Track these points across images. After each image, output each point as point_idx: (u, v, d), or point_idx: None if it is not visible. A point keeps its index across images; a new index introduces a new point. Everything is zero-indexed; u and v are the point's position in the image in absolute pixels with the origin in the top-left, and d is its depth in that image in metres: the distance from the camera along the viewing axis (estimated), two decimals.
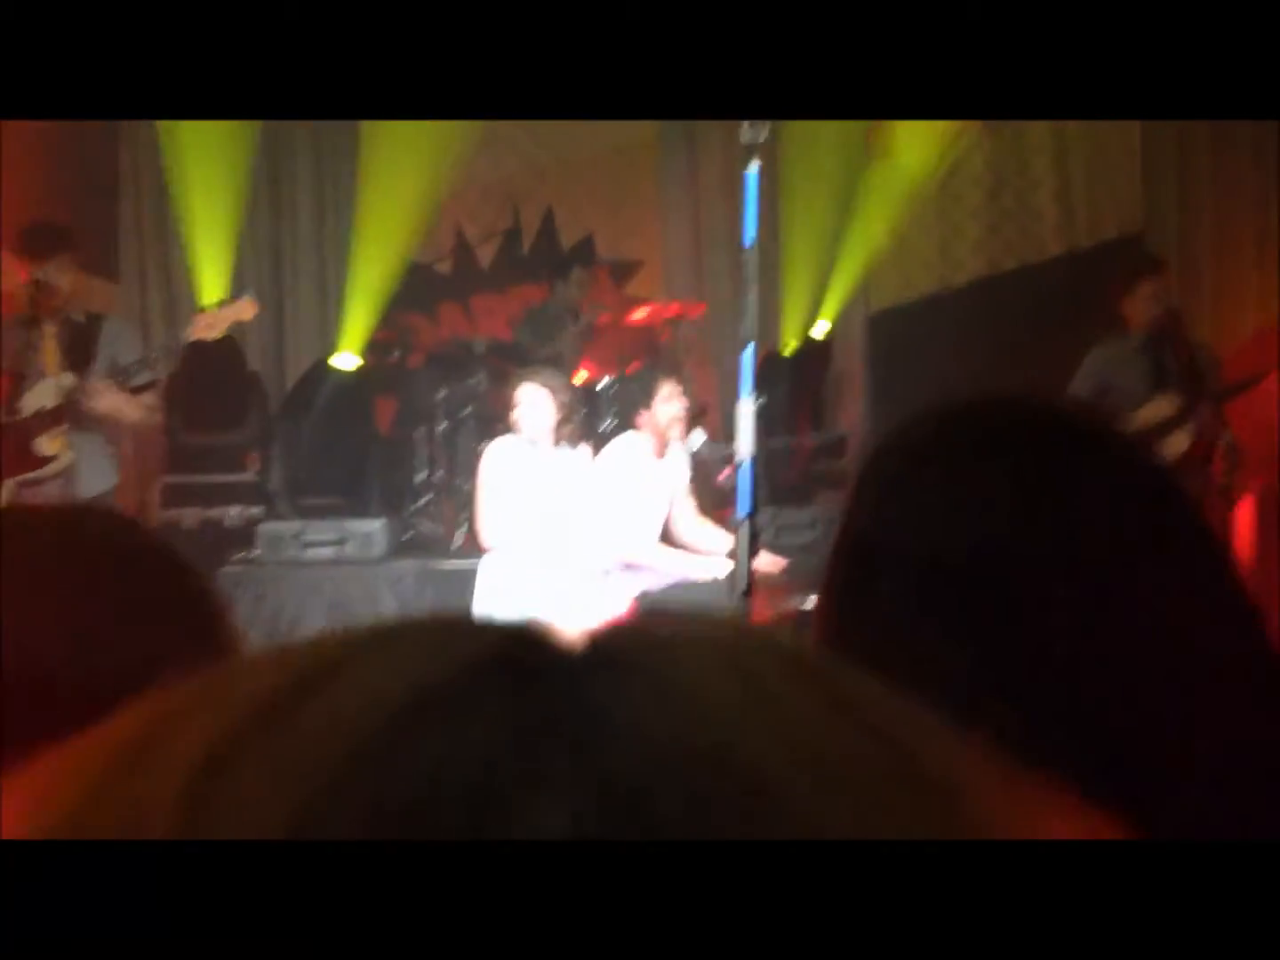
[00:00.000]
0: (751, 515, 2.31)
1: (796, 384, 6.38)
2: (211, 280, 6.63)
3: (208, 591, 0.80)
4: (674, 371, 5.15)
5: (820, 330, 7.10)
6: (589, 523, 4.83)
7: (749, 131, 2.48)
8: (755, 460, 2.34)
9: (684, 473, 5.02)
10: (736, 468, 2.55)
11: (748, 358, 2.43)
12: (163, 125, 6.64)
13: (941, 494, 0.74)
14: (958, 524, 0.72)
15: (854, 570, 0.75)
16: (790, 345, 6.98)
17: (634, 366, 6.01)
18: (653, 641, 0.32)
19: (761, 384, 6.11)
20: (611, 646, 0.31)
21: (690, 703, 0.29)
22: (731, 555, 2.36)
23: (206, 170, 6.64)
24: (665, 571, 4.78)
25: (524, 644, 0.31)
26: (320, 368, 6.10)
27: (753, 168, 2.49)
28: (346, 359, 6.66)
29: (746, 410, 2.40)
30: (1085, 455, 0.75)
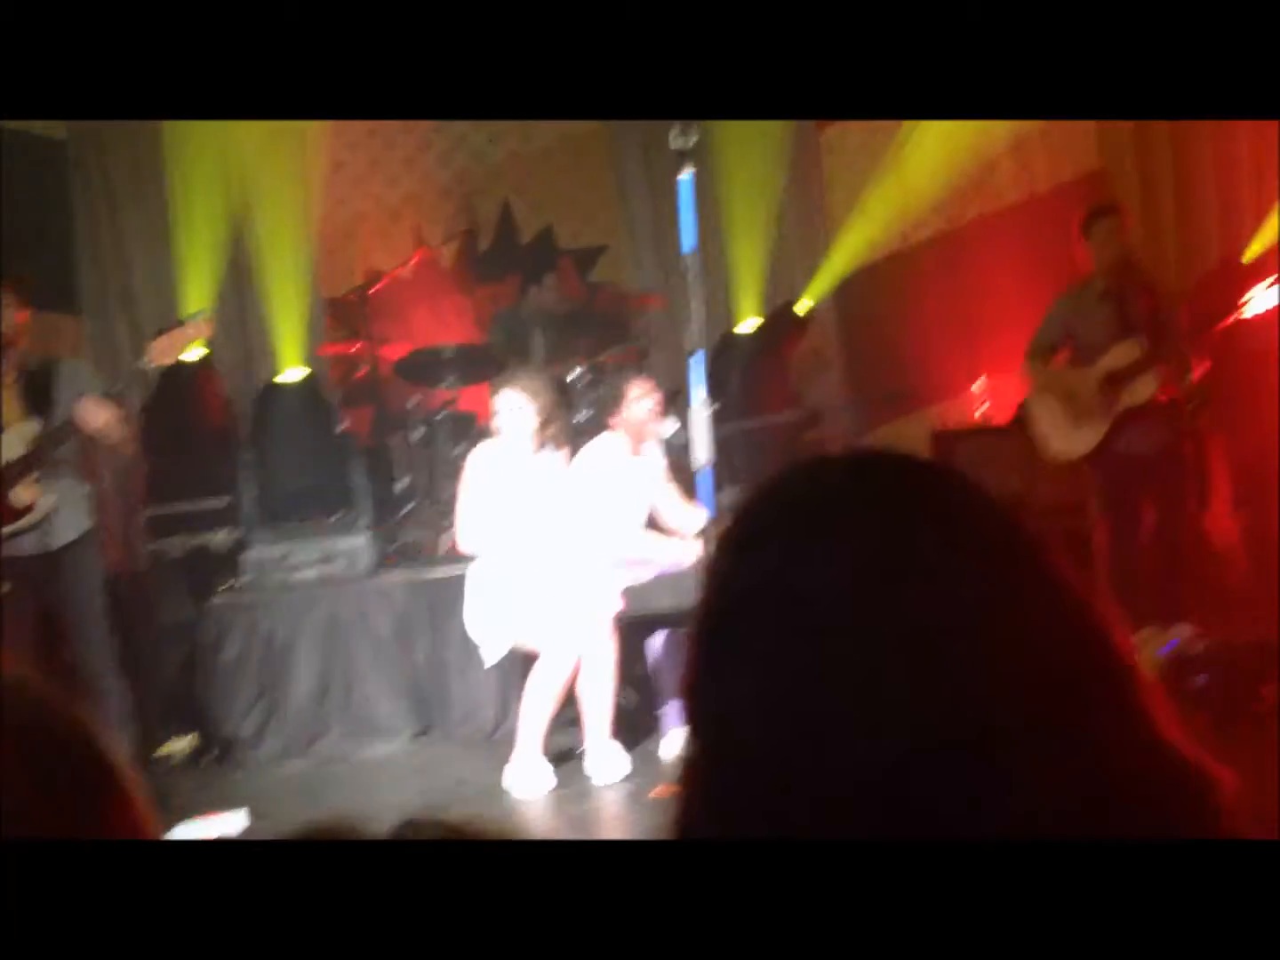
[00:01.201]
0: (717, 520, 2.32)
1: (768, 361, 6.37)
2: (198, 299, 6.61)
3: (116, 773, 0.78)
4: (643, 367, 5.16)
5: (800, 306, 7.08)
6: (573, 524, 4.84)
7: (679, 137, 2.47)
8: (714, 467, 2.35)
9: (661, 463, 5.03)
10: (700, 470, 2.56)
11: (697, 364, 2.44)
12: (137, 138, 6.62)
13: (793, 552, 0.76)
14: (810, 577, 0.75)
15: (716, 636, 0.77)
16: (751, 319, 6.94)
17: (603, 355, 6.01)
18: None
19: (729, 364, 6.11)
20: None
21: None
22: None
23: (191, 184, 6.62)
24: (652, 558, 4.81)
25: None
26: (271, 388, 6.08)
27: (685, 174, 2.49)
28: (293, 373, 6.66)
29: (700, 416, 2.40)
30: (928, 503, 0.78)
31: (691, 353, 2.36)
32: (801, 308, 7.06)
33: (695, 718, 0.79)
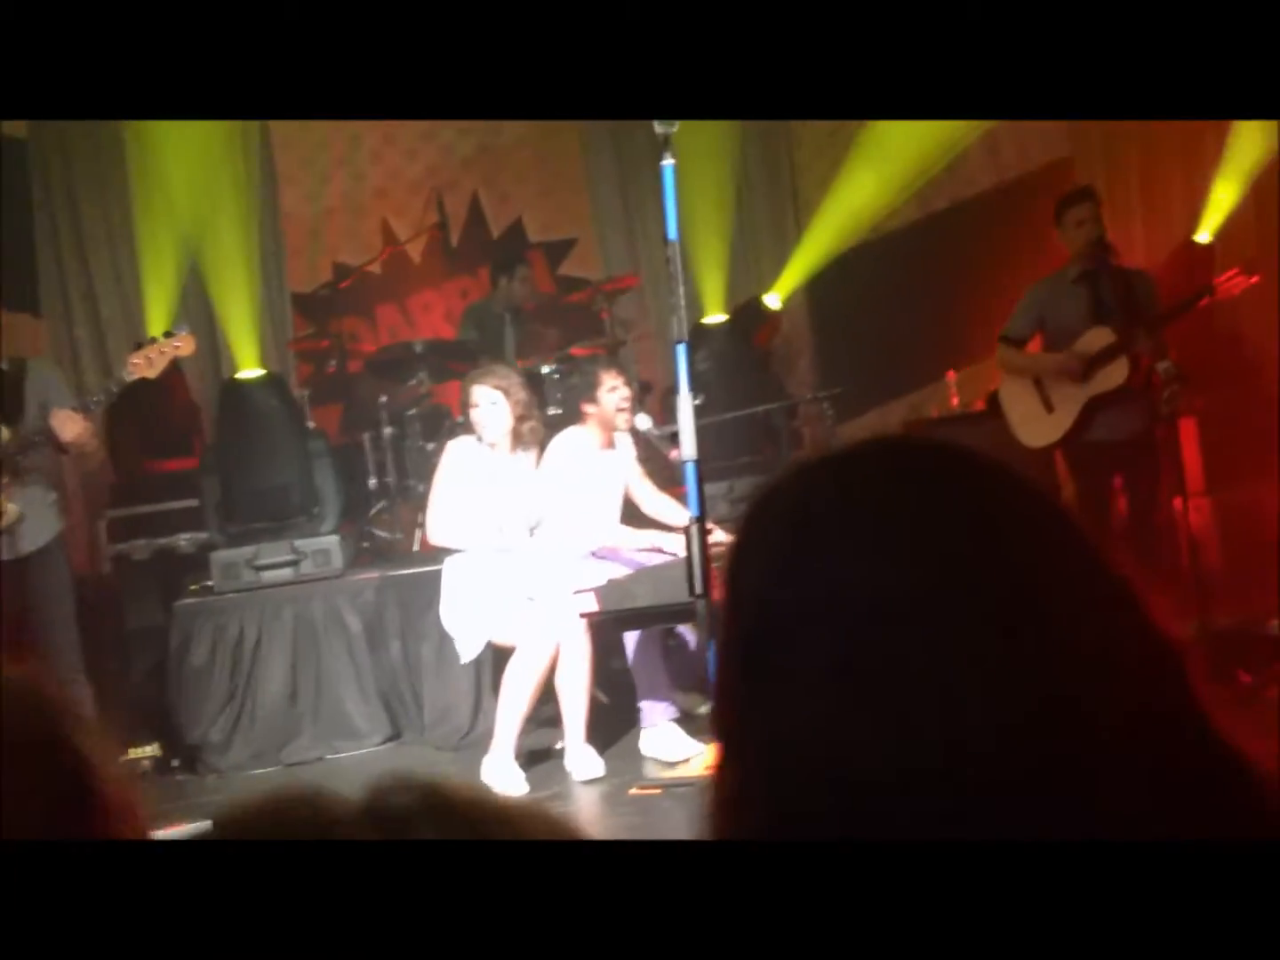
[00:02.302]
0: (700, 518, 2.28)
1: (739, 353, 6.34)
2: (159, 306, 6.51)
3: (115, 779, 0.77)
4: (615, 358, 5.11)
5: (772, 300, 7.05)
6: (547, 518, 4.81)
7: (661, 124, 2.44)
8: (698, 463, 2.31)
9: (633, 455, 5.00)
10: (683, 463, 2.52)
11: (682, 354, 2.39)
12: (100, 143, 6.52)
13: (832, 558, 0.71)
14: (856, 585, 0.70)
15: (753, 657, 0.72)
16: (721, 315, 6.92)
17: (575, 348, 5.97)
18: None
19: (702, 357, 6.06)
20: None
21: None
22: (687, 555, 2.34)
23: (152, 191, 6.52)
24: (631, 552, 4.78)
25: None
26: (235, 385, 6.00)
27: (668, 160, 2.45)
28: (258, 371, 6.58)
29: (686, 408, 2.36)
30: (959, 487, 0.73)
31: (676, 342, 2.32)
32: (772, 300, 7.03)
33: (743, 746, 0.72)
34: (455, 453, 4.76)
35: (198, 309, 6.70)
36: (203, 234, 6.61)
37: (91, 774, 0.75)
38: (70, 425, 4.03)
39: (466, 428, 4.82)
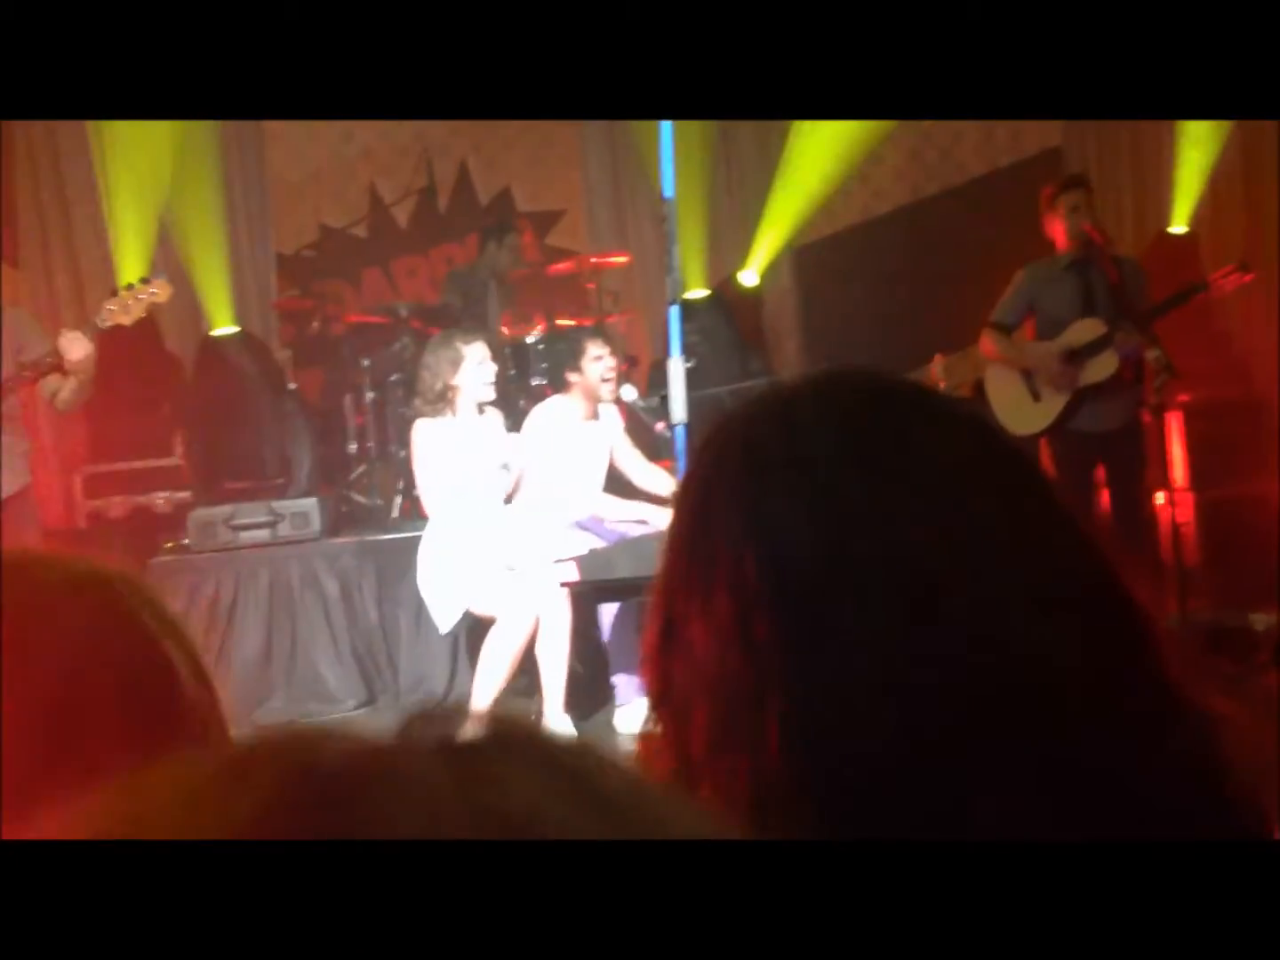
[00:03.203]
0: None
1: (721, 329, 6.31)
2: (132, 259, 6.43)
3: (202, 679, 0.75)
4: (601, 328, 5.06)
5: (748, 277, 7.01)
6: (527, 485, 4.77)
7: None
8: (688, 425, 2.27)
9: (620, 426, 4.96)
10: (672, 428, 2.49)
11: (675, 316, 2.35)
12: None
13: (801, 499, 0.68)
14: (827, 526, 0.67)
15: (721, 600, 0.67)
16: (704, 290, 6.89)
17: (561, 318, 5.92)
18: None
19: (689, 329, 6.04)
20: None
21: None
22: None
23: (127, 147, 6.42)
24: (614, 524, 4.74)
25: None
26: (213, 343, 5.92)
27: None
28: (234, 329, 6.52)
29: (677, 371, 2.32)
30: (926, 423, 0.71)
31: (670, 303, 2.27)
32: (748, 277, 6.99)
33: (796, 727, 0.66)
34: (423, 432, 4.66)
35: (174, 261, 6.63)
36: (175, 189, 6.54)
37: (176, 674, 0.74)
38: (78, 345, 3.97)
39: (421, 411, 4.68)
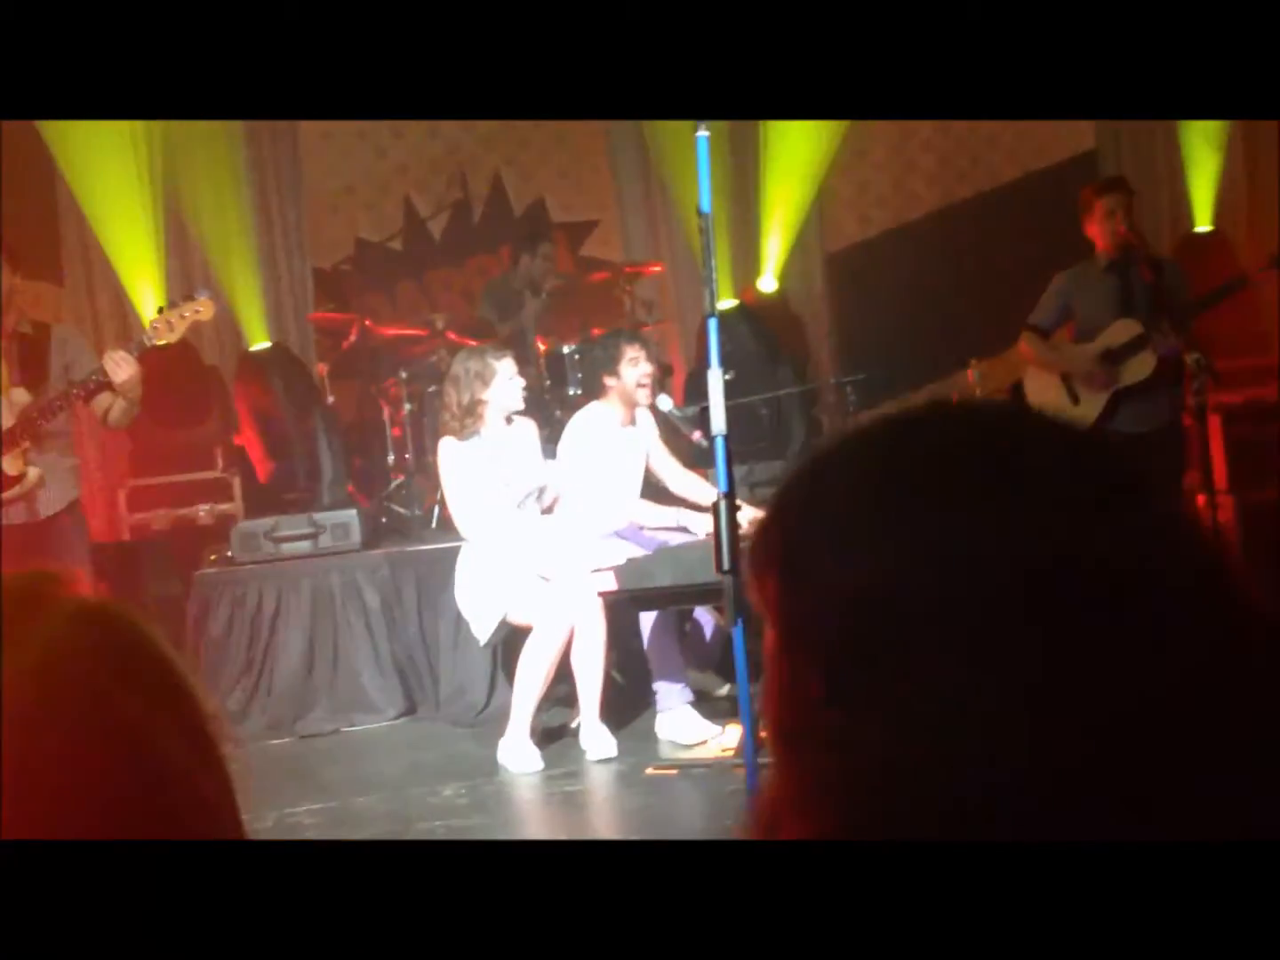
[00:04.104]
0: (728, 494, 2.26)
1: (753, 339, 6.33)
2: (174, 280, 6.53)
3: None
4: (637, 334, 5.07)
5: (766, 283, 7.04)
6: (566, 495, 4.79)
7: None
8: (727, 437, 2.29)
9: (655, 433, 4.98)
10: (711, 439, 2.50)
11: (713, 328, 2.37)
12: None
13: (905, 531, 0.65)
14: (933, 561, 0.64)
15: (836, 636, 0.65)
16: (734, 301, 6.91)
17: (596, 330, 5.95)
18: None
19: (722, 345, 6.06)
20: None
21: None
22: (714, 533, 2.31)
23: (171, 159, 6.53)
24: (651, 531, 4.76)
25: None
26: (252, 358, 6.00)
27: (702, 130, 2.42)
28: (275, 344, 6.61)
29: (716, 383, 2.34)
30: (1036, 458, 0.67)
31: (708, 315, 2.29)
32: (766, 283, 7.02)
33: (854, 738, 0.65)
34: (449, 451, 4.69)
35: (211, 281, 6.72)
36: (212, 206, 6.63)
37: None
38: (125, 366, 4.02)
39: (449, 426, 4.70)
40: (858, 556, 0.65)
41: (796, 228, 7.09)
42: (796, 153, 6.93)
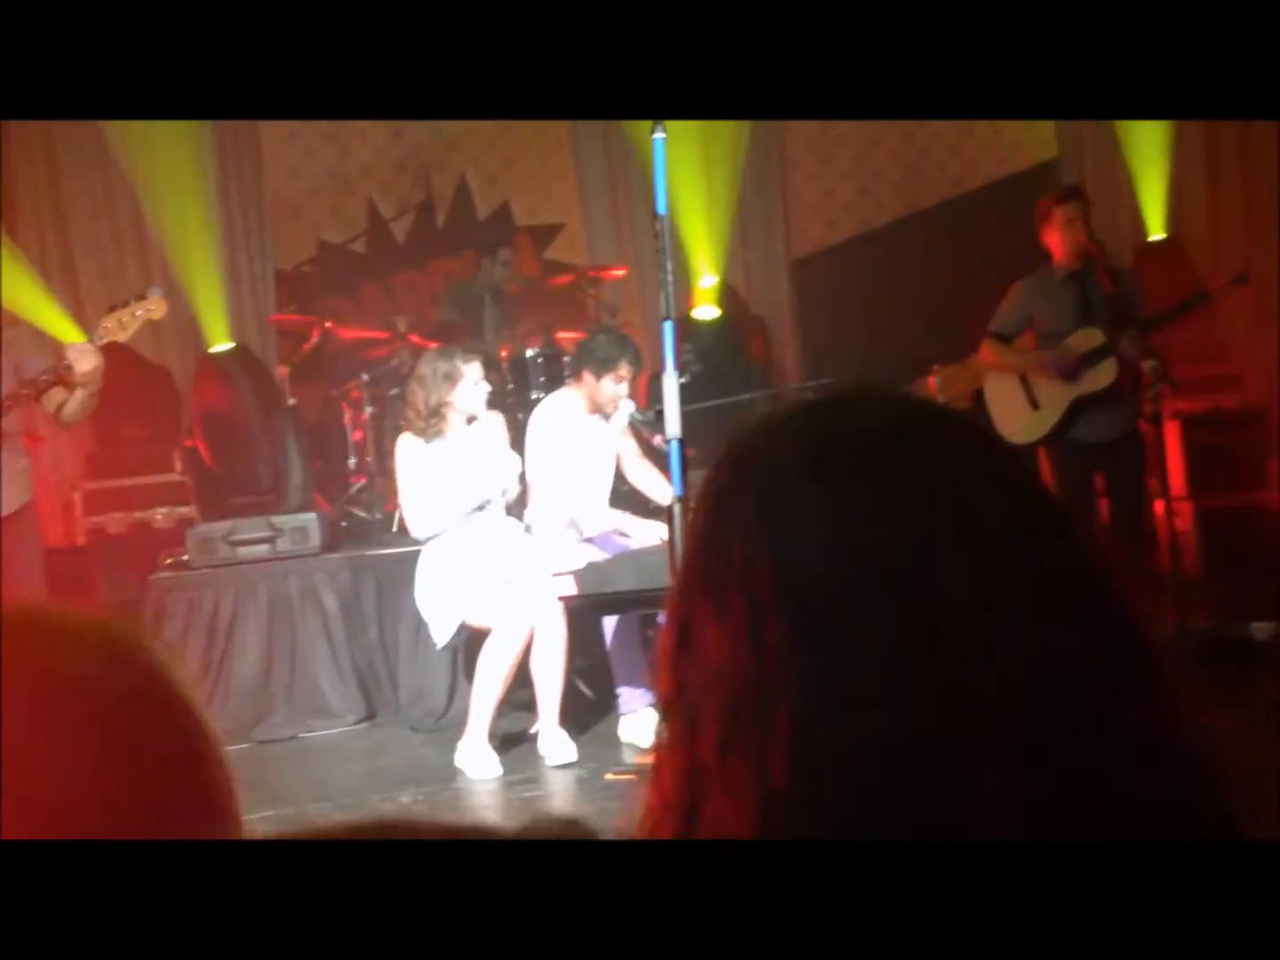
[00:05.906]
0: (683, 498, 2.25)
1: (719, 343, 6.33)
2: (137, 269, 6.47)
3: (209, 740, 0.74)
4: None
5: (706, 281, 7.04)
6: (534, 490, 4.77)
7: None
8: (683, 441, 2.28)
9: (622, 423, 4.94)
10: (668, 442, 2.49)
11: (669, 331, 2.36)
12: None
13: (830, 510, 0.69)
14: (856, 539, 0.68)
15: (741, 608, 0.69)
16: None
17: (561, 333, 5.93)
18: None
19: (687, 350, 6.04)
20: None
21: None
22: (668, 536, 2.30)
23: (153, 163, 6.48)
24: (612, 535, 4.74)
25: None
26: (212, 360, 5.94)
27: (659, 133, 2.41)
28: (232, 346, 6.56)
29: (672, 387, 2.33)
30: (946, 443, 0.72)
31: (663, 319, 2.28)
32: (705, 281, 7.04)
33: (803, 731, 0.68)
34: (409, 449, 4.66)
35: (170, 281, 6.66)
36: (172, 206, 6.57)
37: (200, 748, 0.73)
38: (88, 357, 3.95)
39: (413, 425, 4.66)
40: (766, 528, 0.70)
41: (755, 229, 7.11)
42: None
